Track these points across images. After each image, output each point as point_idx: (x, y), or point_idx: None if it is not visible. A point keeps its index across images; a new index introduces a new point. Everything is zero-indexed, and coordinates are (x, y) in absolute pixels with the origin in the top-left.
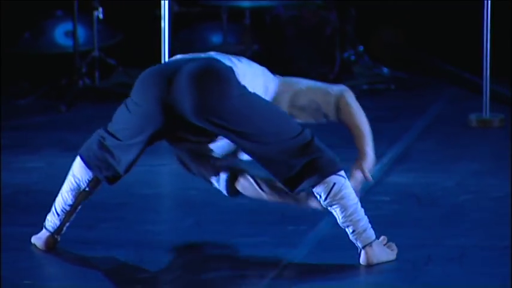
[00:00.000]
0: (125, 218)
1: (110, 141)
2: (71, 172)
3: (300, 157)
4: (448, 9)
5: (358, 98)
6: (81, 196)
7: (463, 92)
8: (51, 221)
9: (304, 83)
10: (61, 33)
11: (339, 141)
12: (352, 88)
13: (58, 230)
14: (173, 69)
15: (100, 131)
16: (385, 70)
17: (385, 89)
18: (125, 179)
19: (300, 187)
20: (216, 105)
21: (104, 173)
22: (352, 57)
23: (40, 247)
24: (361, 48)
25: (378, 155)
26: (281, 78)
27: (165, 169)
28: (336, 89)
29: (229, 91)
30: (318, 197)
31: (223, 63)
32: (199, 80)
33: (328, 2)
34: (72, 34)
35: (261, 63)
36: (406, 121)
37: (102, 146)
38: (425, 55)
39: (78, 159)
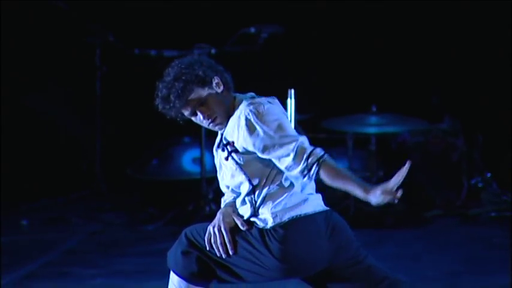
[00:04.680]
0: None
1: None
2: None
3: None
4: None
5: (486, 225)
6: None
7: None
8: None
9: None
10: (188, 160)
11: None
12: (480, 215)
13: None
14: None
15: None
16: None
17: None
18: None
19: None
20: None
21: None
22: (480, 184)
23: None
24: (488, 174)
25: (506, 284)
26: None
27: None
28: None
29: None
30: None
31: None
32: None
33: (455, 128)
34: (200, 160)
35: None
36: None
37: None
38: None
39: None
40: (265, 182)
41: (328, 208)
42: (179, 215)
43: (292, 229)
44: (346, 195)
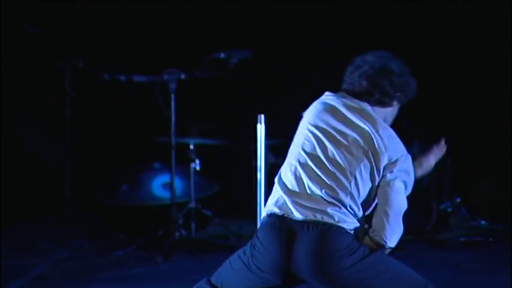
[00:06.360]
0: None
1: None
2: None
3: None
4: None
5: (456, 250)
6: None
7: None
8: None
9: None
10: (158, 185)
11: None
12: (449, 240)
13: None
14: (291, 237)
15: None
16: (483, 222)
17: (483, 242)
18: None
19: None
20: (333, 275)
21: None
22: (449, 209)
23: None
24: (458, 199)
25: None
26: None
27: None
28: None
29: (343, 263)
30: None
31: (341, 231)
32: (318, 253)
33: (424, 153)
34: (169, 186)
35: None
36: (505, 275)
37: None
38: None
39: None
40: None
41: (308, 217)
42: (149, 240)
43: (258, 234)
44: None
